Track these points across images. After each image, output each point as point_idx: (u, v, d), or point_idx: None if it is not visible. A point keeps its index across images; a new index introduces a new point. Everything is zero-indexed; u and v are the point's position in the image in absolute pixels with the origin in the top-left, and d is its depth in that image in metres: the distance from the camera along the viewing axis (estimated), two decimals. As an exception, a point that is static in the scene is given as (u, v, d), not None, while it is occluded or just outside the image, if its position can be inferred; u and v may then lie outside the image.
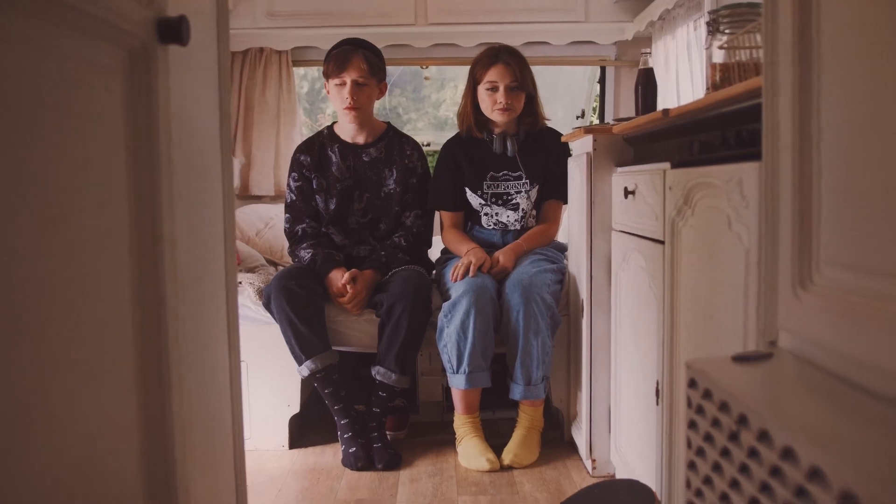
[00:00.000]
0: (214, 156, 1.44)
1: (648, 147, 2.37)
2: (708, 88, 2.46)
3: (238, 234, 3.55)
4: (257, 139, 4.17)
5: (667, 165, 1.87)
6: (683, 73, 3.52)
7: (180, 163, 1.21)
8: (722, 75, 1.72)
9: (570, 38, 4.16)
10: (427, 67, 4.50)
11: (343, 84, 2.88)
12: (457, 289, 2.64)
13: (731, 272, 1.48)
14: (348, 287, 2.76)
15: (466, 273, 2.69)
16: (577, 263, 2.71)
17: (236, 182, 4.13)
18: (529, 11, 4.00)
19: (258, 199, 4.21)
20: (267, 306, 2.74)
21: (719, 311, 1.54)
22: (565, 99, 4.95)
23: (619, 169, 2.42)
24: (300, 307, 2.68)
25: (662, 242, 1.89)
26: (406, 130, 6.17)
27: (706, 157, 1.76)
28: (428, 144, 4.88)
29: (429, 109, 6.02)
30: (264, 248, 3.54)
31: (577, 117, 4.74)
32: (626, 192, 2.18)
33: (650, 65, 2.76)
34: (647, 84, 2.73)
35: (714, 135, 1.75)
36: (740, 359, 1.18)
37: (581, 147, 2.64)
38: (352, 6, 3.97)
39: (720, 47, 1.71)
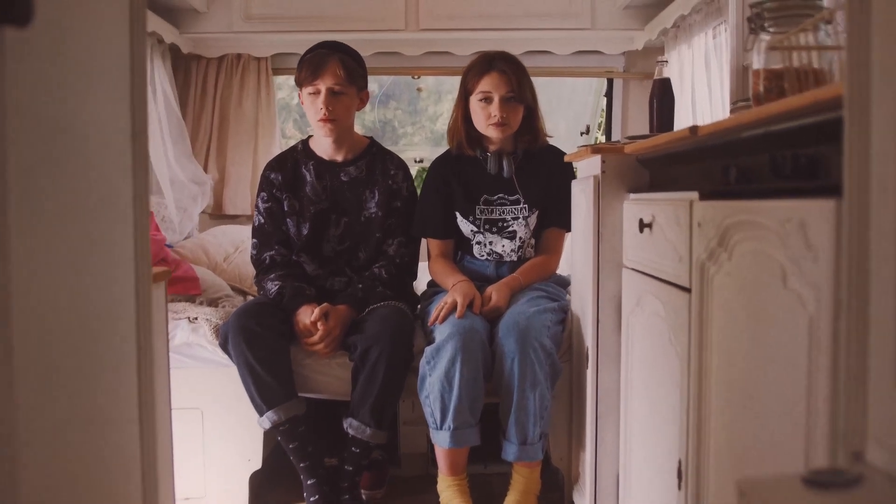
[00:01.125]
0: (114, 160, 1.09)
1: (667, 171, 2.02)
2: (738, 103, 2.11)
3: (204, 259, 3.20)
4: (232, 154, 3.83)
5: (694, 196, 1.52)
6: (700, 85, 3.18)
7: (39, 166, 0.85)
8: (768, 84, 1.36)
9: (575, 48, 3.82)
10: (419, 78, 4.16)
11: (317, 93, 2.53)
12: (441, 331, 2.28)
13: (786, 343, 1.12)
14: (319, 325, 2.40)
15: (453, 312, 2.33)
16: (581, 303, 2.35)
17: (209, 200, 3.78)
18: (531, 17, 3.66)
19: (233, 218, 3.87)
20: (224, 347, 2.39)
21: (767, 390, 1.18)
22: (568, 113, 4.59)
23: (633, 196, 2.07)
24: (261, 350, 2.32)
25: (688, 290, 1.54)
26: (401, 145, 5.90)
27: (749, 187, 1.41)
28: (421, 161, 4.55)
29: (425, 123, 5.68)
30: (233, 275, 3.19)
31: (582, 133, 4.39)
32: (642, 225, 1.82)
33: (666, 75, 2.41)
34: (663, 97, 2.38)
35: (758, 159, 1.39)
36: (816, 483, 0.82)
37: (587, 169, 2.28)
38: (337, 10, 3.64)
39: (771, 48, 1.35)
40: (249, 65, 3.82)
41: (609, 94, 4.09)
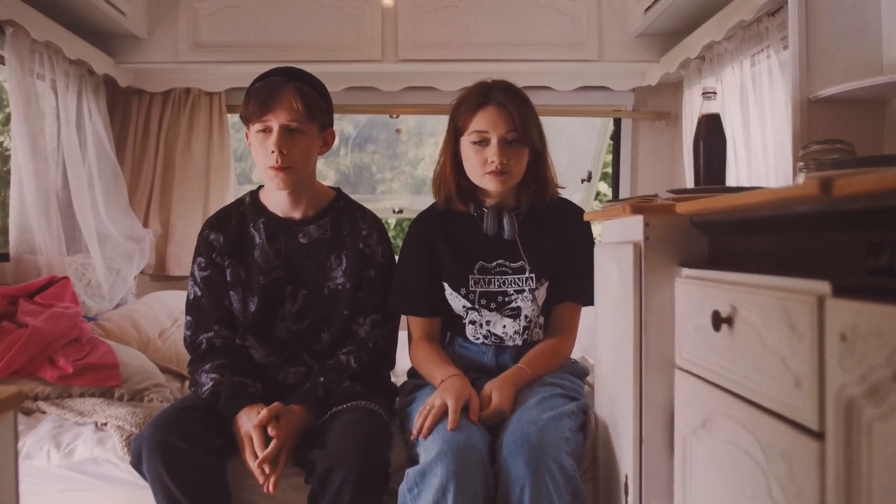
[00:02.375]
0: None
1: (739, 240, 1.48)
2: (811, 146, 1.60)
3: (134, 334, 2.61)
4: (179, 204, 3.27)
5: (823, 288, 0.97)
6: (735, 126, 2.66)
7: None
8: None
9: (579, 83, 3.33)
10: (397, 117, 3.62)
11: (267, 131, 1.98)
12: (427, 448, 1.71)
13: None
14: (269, 429, 1.81)
15: (442, 421, 1.76)
16: (611, 408, 1.79)
17: (149, 258, 3.20)
18: (528, 47, 3.16)
19: (179, 280, 3.29)
20: (137, 468, 1.79)
21: None
22: (566, 156, 4.06)
23: (688, 271, 1.52)
24: (186, 472, 1.73)
25: (818, 435, 0.98)
26: (379, 193, 5.35)
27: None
28: (400, 211, 4.00)
29: (405, 168, 5.15)
30: (168, 355, 2.60)
31: (583, 181, 3.87)
32: (718, 320, 1.26)
33: (715, 110, 1.88)
34: (712, 138, 1.86)
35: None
36: None
37: (621, 232, 1.74)
38: (302, 36, 3.12)
39: None
40: (200, 101, 3.29)
41: (616, 137, 3.57)
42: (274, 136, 1.96)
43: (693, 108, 3.00)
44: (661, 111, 3.42)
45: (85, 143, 2.96)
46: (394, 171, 5.10)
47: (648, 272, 1.57)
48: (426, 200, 4.58)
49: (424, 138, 5.05)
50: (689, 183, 3.11)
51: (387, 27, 3.15)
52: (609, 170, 4.34)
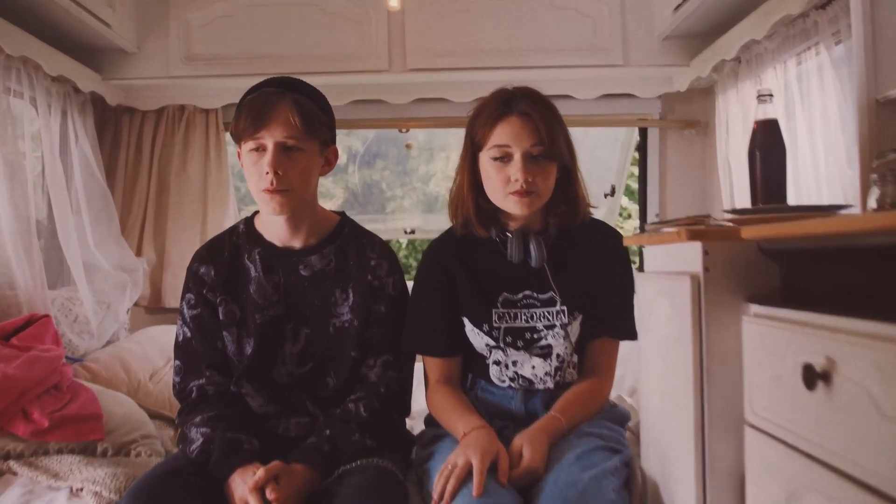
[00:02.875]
0: None
1: (817, 271, 1.23)
2: (890, 154, 1.35)
3: (123, 377, 2.38)
4: (174, 230, 3.04)
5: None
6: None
7: None
8: None
9: (602, 91, 3.10)
10: (407, 131, 3.39)
11: (261, 150, 1.74)
12: (450, 517, 1.46)
13: None
14: (267, 492, 1.57)
15: (466, 484, 1.51)
16: (660, 464, 1.54)
17: (143, 290, 2.97)
18: (546, 53, 2.92)
19: (176, 311, 3.05)
20: (115, 543, 1.56)
21: None
22: (586, 169, 3.79)
23: (758, 308, 1.27)
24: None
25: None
26: (389, 211, 5.12)
27: None
28: (412, 232, 3.76)
29: (416, 184, 4.92)
30: (160, 399, 2.36)
31: (606, 195, 3.62)
32: (812, 375, 1.01)
33: (771, 115, 1.63)
34: (770, 147, 1.61)
35: None
36: None
37: (672, 259, 1.49)
38: (303, 47, 2.91)
39: None
40: (195, 118, 3.07)
41: (642, 148, 3.32)
42: (268, 155, 1.72)
43: (729, 114, 2.76)
44: (691, 119, 3.18)
45: (71, 166, 2.74)
46: (404, 188, 4.88)
47: (710, 309, 1.32)
48: (439, 220, 4.36)
49: (435, 153, 4.83)
50: (725, 197, 2.88)
51: (393, 35, 2.93)
52: (632, 183, 4.13)
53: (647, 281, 1.62)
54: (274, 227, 1.86)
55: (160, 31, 2.94)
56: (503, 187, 1.71)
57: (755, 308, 1.28)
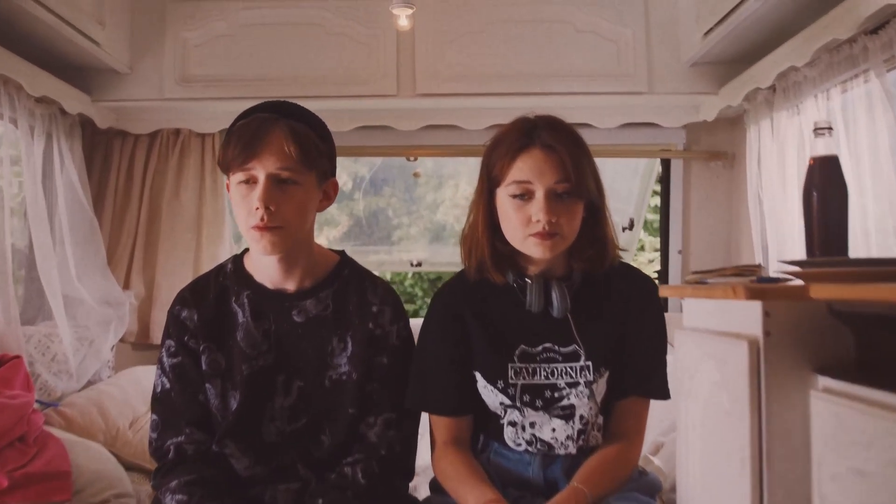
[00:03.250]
0: None
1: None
2: None
3: (100, 424, 2.18)
4: (165, 261, 2.86)
5: None
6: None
7: None
8: None
9: (624, 119, 2.91)
10: (416, 159, 3.20)
11: (251, 182, 1.55)
12: None
13: None
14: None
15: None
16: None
17: (130, 325, 2.78)
18: (565, 79, 2.75)
19: (164, 348, 2.87)
20: None
21: None
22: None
23: (829, 382, 1.07)
24: None
25: None
26: (396, 240, 4.93)
27: None
28: (419, 264, 3.58)
29: (423, 212, 4.73)
30: (141, 450, 2.15)
31: (624, 229, 3.42)
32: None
33: (832, 151, 1.44)
34: (831, 188, 1.41)
35: None
36: None
37: (722, 317, 1.29)
38: (305, 68, 2.75)
39: None
40: (190, 143, 2.90)
41: (665, 180, 3.13)
42: (259, 189, 1.53)
43: (761, 146, 2.57)
44: (717, 150, 3.00)
45: (54, 192, 2.57)
46: (411, 216, 4.70)
47: (770, 380, 1.11)
48: (446, 251, 4.17)
49: (444, 180, 4.66)
50: (756, 236, 2.68)
51: (403, 57, 2.76)
52: (648, 214, 3.95)
53: (688, 338, 1.42)
54: (265, 268, 1.66)
55: (155, 50, 2.78)
56: (523, 228, 1.52)
57: (825, 381, 1.07)
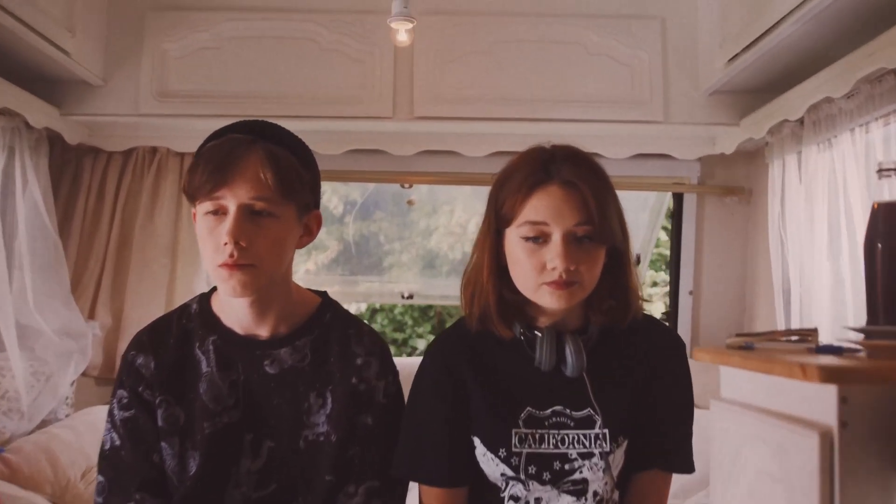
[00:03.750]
0: None
1: None
2: None
3: (48, 474, 1.95)
4: (135, 290, 2.66)
5: None
6: (858, 209, 2.02)
7: None
8: None
9: (635, 150, 2.72)
10: (410, 186, 3.01)
11: (221, 213, 1.35)
12: None
13: None
14: None
15: None
16: None
17: (95, 358, 2.57)
18: (575, 105, 2.58)
19: (131, 384, 2.64)
20: None
21: None
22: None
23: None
24: None
25: None
26: (386, 266, 4.72)
27: None
28: (410, 297, 3.36)
29: (416, 239, 4.54)
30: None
31: (630, 265, 3.23)
32: None
33: (897, 196, 1.23)
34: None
35: None
36: None
37: (774, 393, 1.07)
38: (294, 86, 2.57)
39: None
40: (167, 162, 2.71)
41: (676, 215, 2.94)
42: (229, 221, 1.33)
43: (786, 182, 2.38)
44: (733, 185, 2.81)
45: (13, 212, 2.36)
46: (403, 242, 4.50)
47: (847, 480, 0.90)
48: (439, 283, 3.97)
49: (438, 207, 4.47)
50: (776, 277, 2.49)
51: (400, 77, 2.58)
52: (654, 251, 3.76)
53: (729, 414, 1.20)
54: (234, 311, 1.45)
55: (131, 62, 2.59)
56: (536, 275, 1.31)
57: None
